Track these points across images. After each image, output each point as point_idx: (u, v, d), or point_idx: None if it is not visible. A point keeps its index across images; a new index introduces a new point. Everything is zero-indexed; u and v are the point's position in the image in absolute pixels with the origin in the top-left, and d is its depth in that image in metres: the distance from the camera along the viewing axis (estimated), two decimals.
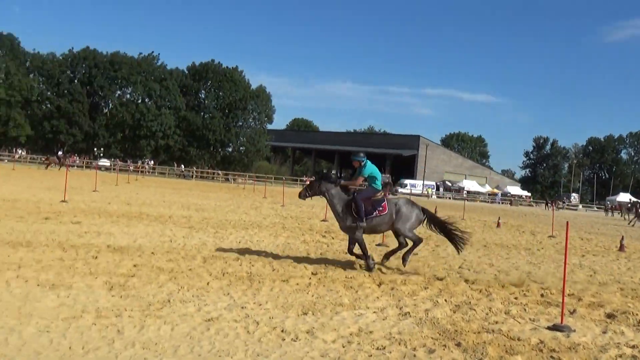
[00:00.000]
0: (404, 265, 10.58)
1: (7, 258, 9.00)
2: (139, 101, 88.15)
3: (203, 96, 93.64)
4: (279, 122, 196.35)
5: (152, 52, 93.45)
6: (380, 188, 10.87)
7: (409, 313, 7.50)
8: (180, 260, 10.16)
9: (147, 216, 17.53)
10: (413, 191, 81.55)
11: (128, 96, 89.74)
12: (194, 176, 74.58)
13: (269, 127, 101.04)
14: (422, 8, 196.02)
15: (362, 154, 11.11)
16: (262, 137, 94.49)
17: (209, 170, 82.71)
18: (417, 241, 10.83)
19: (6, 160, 67.93)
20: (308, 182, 12.64)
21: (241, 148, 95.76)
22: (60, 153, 69.87)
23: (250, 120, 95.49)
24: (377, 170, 11.04)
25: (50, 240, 11.23)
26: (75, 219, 15.17)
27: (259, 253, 11.76)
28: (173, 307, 6.97)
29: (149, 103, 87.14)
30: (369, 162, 11.01)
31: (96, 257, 9.77)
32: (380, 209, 10.55)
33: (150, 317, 6.48)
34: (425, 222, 11.03)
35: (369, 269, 10.37)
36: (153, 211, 19.41)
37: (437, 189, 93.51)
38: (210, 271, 9.31)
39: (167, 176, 72.01)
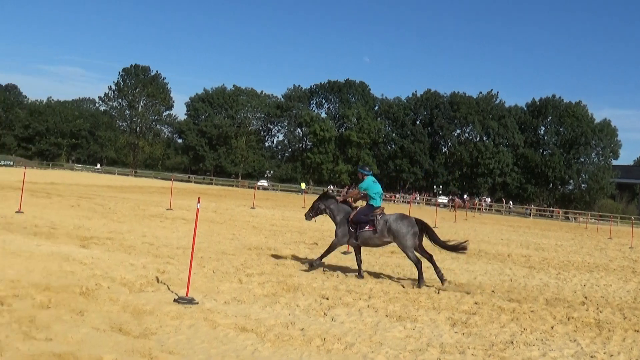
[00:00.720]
0: (419, 286, 10.35)
1: (359, 288, 9.73)
2: (477, 139, 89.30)
3: (542, 132, 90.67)
4: (626, 157, 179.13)
5: (491, 90, 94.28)
6: (379, 204, 11.13)
7: None
8: (522, 300, 9.82)
9: (486, 254, 17.41)
10: None
11: (466, 135, 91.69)
12: (531, 214, 72.21)
13: (615, 162, 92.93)
14: None
15: (367, 168, 11.60)
16: (606, 174, 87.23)
17: (548, 208, 79.29)
18: (416, 262, 10.62)
19: None
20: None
21: (582, 185, 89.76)
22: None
23: (593, 156, 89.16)
24: (377, 186, 11.29)
25: (396, 274, 11.86)
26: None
27: (606, 298, 10.74)
28: (516, 349, 6.72)
29: (487, 141, 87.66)
30: (369, 178, 11.31)
31: (438, 292, 9.98)
32: (372, 224, 10.86)
33: (493, 357, 6.35)
34: (420, 234, 10.95)
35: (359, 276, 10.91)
36: (491, 249, 19.22)
37: None
38: (554, 314, 8.79)
39: (503, 213, 71.01)
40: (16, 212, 17.00)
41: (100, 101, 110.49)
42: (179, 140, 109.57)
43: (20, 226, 13.93)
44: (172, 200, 26.23)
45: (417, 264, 10.63)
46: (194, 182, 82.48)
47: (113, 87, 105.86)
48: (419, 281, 10.51)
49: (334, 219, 11.46)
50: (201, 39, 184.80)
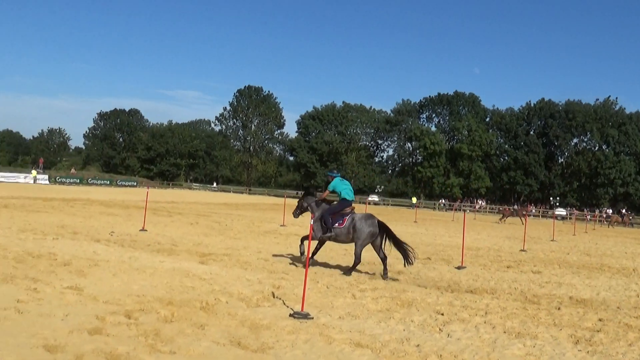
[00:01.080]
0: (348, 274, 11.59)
1: (474, 304, 9.45)
2: (596, 148, 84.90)
3: None
4: None
5: (609, 96, 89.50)
6: (351, 198, 12.30)
7: None
8: None
9: (609, 268, 16.43)
10: None
11: (584, 144, 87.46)
12: None
13: None
14: None
15: (335, 171, 13.10)
16: None
17: None
18: (357, 260, 11.76)
19: (468, 210, 73.03)
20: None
21: None
22: (515, 206, 72.02)
23: None
24: (346, 186, 12.49)
25: (513, 289, 11.42)
26: (535, 268, 15.17)
27: None
28: None
29: (607, 150, 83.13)
30: (336, 178, 12.63)
31: (559, 309, 9.50)
32: (341, 222, 11.95)
33: None
34: (380, 236, 11.83)
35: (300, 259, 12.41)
36: (615, 263, 18.11)
37: None
38: None
39: (626, 226, 66.69)
40: (140, 230, 17.96)
41: (217, 121, 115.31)
42: (291, 158, 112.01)
43: (144, 243, 14.68)
44: (285, 216, 26.74)
45: (358, 259, 11.81)
46: None
47: (228, 107, 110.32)
48: (350, 270, 11.87)
49: (313, 215, 11.84)
50: (310, 58, 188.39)
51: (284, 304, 8.54)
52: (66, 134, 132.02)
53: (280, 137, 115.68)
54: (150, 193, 25.21)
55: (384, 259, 11.83)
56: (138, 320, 6.96)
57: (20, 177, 59.68)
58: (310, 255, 10.81)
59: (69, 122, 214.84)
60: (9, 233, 14.59)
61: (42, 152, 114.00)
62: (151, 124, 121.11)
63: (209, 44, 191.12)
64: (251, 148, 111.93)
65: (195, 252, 13.64)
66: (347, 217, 11.99)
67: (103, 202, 32.92)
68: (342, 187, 12.46)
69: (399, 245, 11.83)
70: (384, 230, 11.92)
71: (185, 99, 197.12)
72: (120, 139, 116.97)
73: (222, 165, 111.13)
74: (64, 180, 65.74)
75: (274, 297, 8.99)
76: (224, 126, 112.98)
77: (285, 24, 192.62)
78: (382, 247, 11.95)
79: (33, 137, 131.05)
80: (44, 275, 9.29)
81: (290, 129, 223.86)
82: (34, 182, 57.85)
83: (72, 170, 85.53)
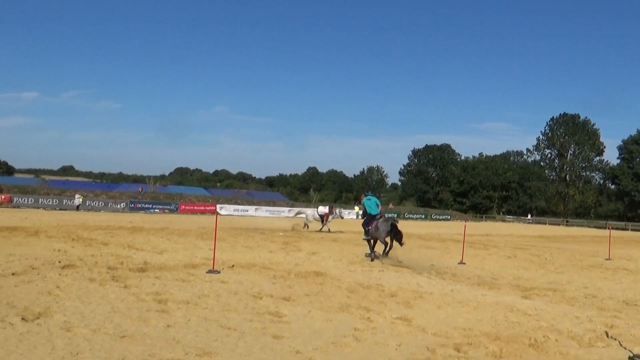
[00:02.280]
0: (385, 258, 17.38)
1: None
2: None
3: None
4: None
5: None
6: (376, 212, 18.15)
7: None
8: None
9: None
10: None
11: None
12: None
13: None
14: None
15: (368, 193, 19.73)
16: None
17: None
18: (385, 244, 17.63)
19: None
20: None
21: None
22: None
23: None
24: (371, 202, 18.40)
25: None
26: None
27: None
28: None
29: None
30: (365, 198, 18.79)
31: None
32: (373, 224, 17.86)
33: None
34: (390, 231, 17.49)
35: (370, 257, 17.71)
36: None
37: None
38: None
39: None
40: (459, 263, 18.11)
41: (528, 152, 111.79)
42: (612, 186, 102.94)
43: (464, 276, 14.74)
44: (611, 249, 24.49)
45: (385, 244, 17.56)
46: (631, 230, 75.74)
47: (541, 137, 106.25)
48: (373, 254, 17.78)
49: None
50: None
51: (621, 345, 7.76)
52: (384, 171, 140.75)
53: (599, 165, 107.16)
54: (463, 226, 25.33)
55: (387, 246, 17.54)
56: (467, 354, 6.96)
57: (345, 213, 65.34)
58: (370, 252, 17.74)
59: (386, 160, 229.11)
60: (340, 265, 15.93)
61: (363, 189, 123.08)
62: (462, 158, 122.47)
63: (516, 77, 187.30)
64: (567, 177, 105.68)
65: (516, 286, 13.25)
66: (375, 221, 17.80)
67: (420, 235, 34.05)
68: (369, 204, 18.23)
69: (398, 238, 17.38)
70: (394, 230, 17.39)
71: (495, 131, 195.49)
72: (434, 174, 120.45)
73: (536, 196, 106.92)
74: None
75: (607, 336, 8.24)
76: (538, 156, 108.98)
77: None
78: (391, 238, 17.51)
79: (354, 175, 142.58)
80: (375, 305, 9.89)
81: (611, 156, 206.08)
82: (357, 218, 62.72)
83: (390, 206, 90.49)
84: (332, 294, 10.84)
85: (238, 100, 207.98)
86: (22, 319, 7.45)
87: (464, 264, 17.93)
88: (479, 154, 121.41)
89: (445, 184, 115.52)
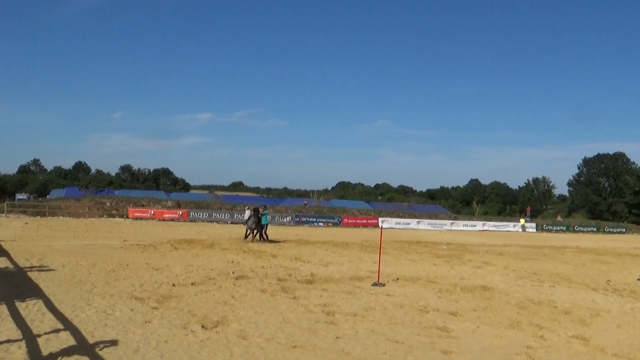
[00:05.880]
0: None
1: None
2: None
3: None
4: None
5: None
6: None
7: None
8: None
9: None
10: None
11: None
12: None
13: None
14: None
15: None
16: None
17: None
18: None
19: None
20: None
21: None
22: None
23: None
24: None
25: None
26: None
27: None
28: None
29: None
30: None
31: None
32: None
33: None
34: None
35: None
36: None
37: None
38: None
39: None
40: (637, 279, 16.80)
41: None
42: None
43: None
44: None
45: None
46: None
47: None
48: None
49: None
50: None
51: None
52: (551, 182, 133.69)
53: None
54: None
55: None
56: None
57: (510, 226, 62.60)
58: None
59: (553, 170, 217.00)
60: (508, 279, 15.32)
61: (529, 201, 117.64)
62: (638, 166, 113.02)
63: None
64: None
65: None
66: None
67: (593, 249, 31.83)
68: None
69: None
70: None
71: None
72: (606, 184, 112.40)
73: None
74: (551, 227, 66.20)
75: None
76: None
77: None
78: None
79: (519, 187, 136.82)
80: (548, 322, 9.38)
81: None
82: (523, 230, 59.97)
83: (558, 218, 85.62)
84: (501, 310, 10.45)
85: (400, 114, 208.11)
86: (202, 326, 7.96)
87: None
88: None
89: (619, 195, 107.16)
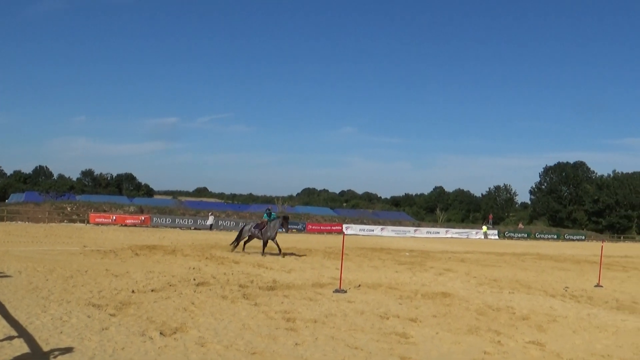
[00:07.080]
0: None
1: None
2: None
3: None
4: None
5: None
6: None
7: None
8: None
9: None
10: None
11: None
12: None
13: None
14: None
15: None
16: None
17: None
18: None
19: None
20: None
21: None
22: None
23: None
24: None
25: None
26: None
27: None
28: None
29: None
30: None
31: None
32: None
33: None
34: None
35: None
36: None
37: None
38: None
39: None
40: (595, 285, 17.10)
41: None
42: None
43: (602, 300, 13.89)
44: None
45: None
46: None
47: None
48: None
49: None
50: None
51: None
52: (512, 189, 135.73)
53: None
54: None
55: None
56: None
57: (472, 233, 63.37)
58: None
59: (515, 178, 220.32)
60: (468, 286, 15.52)
61: (491, 209, 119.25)
62: (596, 175, 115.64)
63: None
64: None
65: None
66: None
67: (553, 256, 32.46)
68: None
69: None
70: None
71: (633, 147, 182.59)
72: (566, 192, 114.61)
73: None
74: (512, 235, 67.31)
75: None
76: None
77: None
78: None
79: (482, 194, 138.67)
80: (505, 328, 9.54)
81: None
82: (485, 237, 60.79)
83: (520, 225, 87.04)
84: (461, 316, 10.59)
85: (367, 121, 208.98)
86: (161, 333, 7.89)
87: (601, 286, 16.89)
88: (613, 171, 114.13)
89: (579, 203, 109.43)
